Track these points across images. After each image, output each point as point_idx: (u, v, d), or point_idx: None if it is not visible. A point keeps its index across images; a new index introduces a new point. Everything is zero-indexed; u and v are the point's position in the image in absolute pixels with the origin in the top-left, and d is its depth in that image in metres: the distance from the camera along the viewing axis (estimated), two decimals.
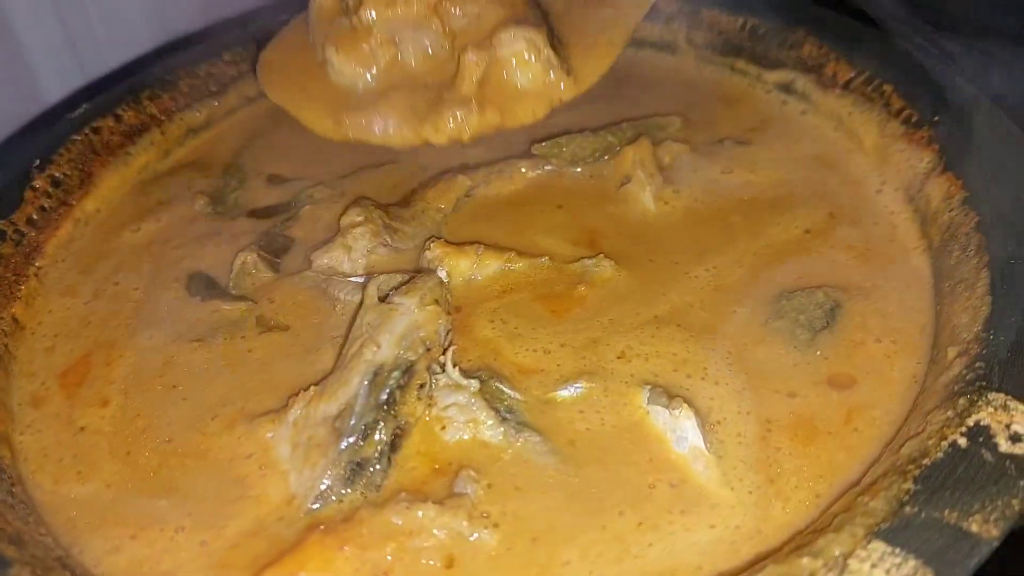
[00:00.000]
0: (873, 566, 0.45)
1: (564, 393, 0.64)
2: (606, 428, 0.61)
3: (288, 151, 0.93)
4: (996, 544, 0.45)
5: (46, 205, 0.84)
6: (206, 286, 0.78)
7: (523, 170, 0.84)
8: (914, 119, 0.78)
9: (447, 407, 0.62)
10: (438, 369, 0.64)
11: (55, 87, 1.13)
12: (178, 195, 0.90)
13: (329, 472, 0.59)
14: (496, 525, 0.56)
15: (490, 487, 0.58)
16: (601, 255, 0.73)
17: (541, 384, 0.65)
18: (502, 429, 0.61)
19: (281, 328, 0.72)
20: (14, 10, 1.07)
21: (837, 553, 0.46)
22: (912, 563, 0.45)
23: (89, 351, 0.73)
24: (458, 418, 0.62)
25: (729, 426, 0.61)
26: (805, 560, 0.46)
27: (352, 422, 0.60)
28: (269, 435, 0.63)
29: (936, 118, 0.76)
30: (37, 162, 0.85)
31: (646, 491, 0.57)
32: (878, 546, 0.46)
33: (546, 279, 0.73)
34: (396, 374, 0.62)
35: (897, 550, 0.45)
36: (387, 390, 0.61)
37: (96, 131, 0.91)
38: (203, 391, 0.68)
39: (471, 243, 0.74)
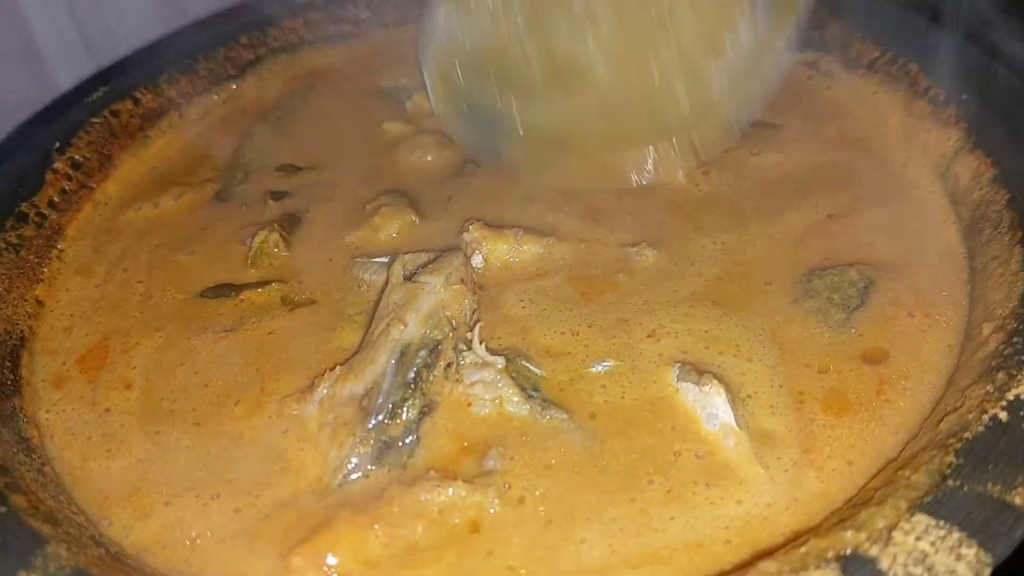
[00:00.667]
0: (918, 538, 0.44)
1: (594, 369, 0.63)
2: (629, 402, 0.61)
3: (300, 136, 0.93)
4: None
5: (67, 187, 0.84)
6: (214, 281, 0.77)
7: None
8: (941, 97, 0.78)
9: (473, 384, 0.62)
10: (464, 347, 0.63)
11: (65, 74, 1.13)
12: (189, 179, 0.89)
13: (358, 450, 0.59)
14: (522, 500, 0.56)
15: (516, 461, 0.58)
16: (644, 243, 0.72)
17: (568, 366, 0.64)
18: (528, 406, 0.61)
19: (305, 304, 0.72)
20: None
21: (881, 525, 0.45)
22: (956, 535, 0.44)
23: (105, 336, 0.72)
24: (484, 395, 0.61)
25: (761, 398, 0.60)
26: (849, 533, 0.45)
27: (380, 400, 0.60)
28: (295, 414, 0.63)
29: (963, 96, 0.75)
30: (57, 144, 0.84)
31: (672, 459, 0.57)
32: (922, 519, 0.45)
33: (584, 263, 0.72)
34: (423, 353, 0.62)
35: (941, 522, 0.45)
36: (414, 369, 0.61)
37: (115, 114, 0.90)
38: (223, 378, 0.67)
39: (512, 227, 0.74)
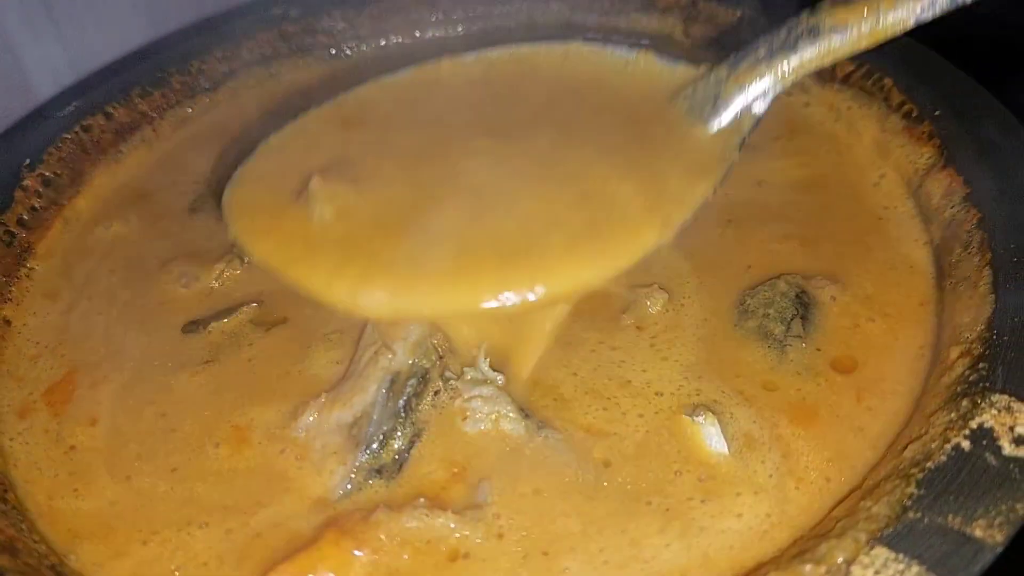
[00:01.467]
0: (876, 572, 0.44)
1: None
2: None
3: None
4: (1000, 550, 0.45)
5: (37, 205, 0.83)
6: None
7: None
8: (914, 114, 0.77)
9: (471, 398, 0.62)
10: (452, 376, 0.64)
11: (45, 83, 1.12)
12: (161, 195, 0.88)
13: (350, 478, 0.59)
14: (504, 533, 0.56)
15: (506, 487, 0.58)
16: (655, 285, 0.70)
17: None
18: (523, 424, 0.61)
19: (277, 323, 0.72)
20: (4, 6, 1.06)
21: (840, 560, 0.45)
22: (916, 569, 0.44)
23: (72, 369, 0.71)
24: (482, 409, 0.62)
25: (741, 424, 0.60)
26: (808, 567, 0.45)
27: (371, 430, 0.61)
28: (280, 450, 0.62)
29: (937, 112, 0.75)
30: (27, 161, 0.84)
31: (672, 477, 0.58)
32: (881, 552, 0.45)
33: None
34: (412, 381, 0.62)
35: (900, 556, 0.45)
36: (404, 397, 0.62)
37: (86, 129, 0.90)
38: (191, 420, 0.66)
39: None
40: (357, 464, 0.59)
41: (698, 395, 0.62)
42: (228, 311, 0.73)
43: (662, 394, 0.62)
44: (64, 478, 0.63)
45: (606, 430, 0.61)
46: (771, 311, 0.66)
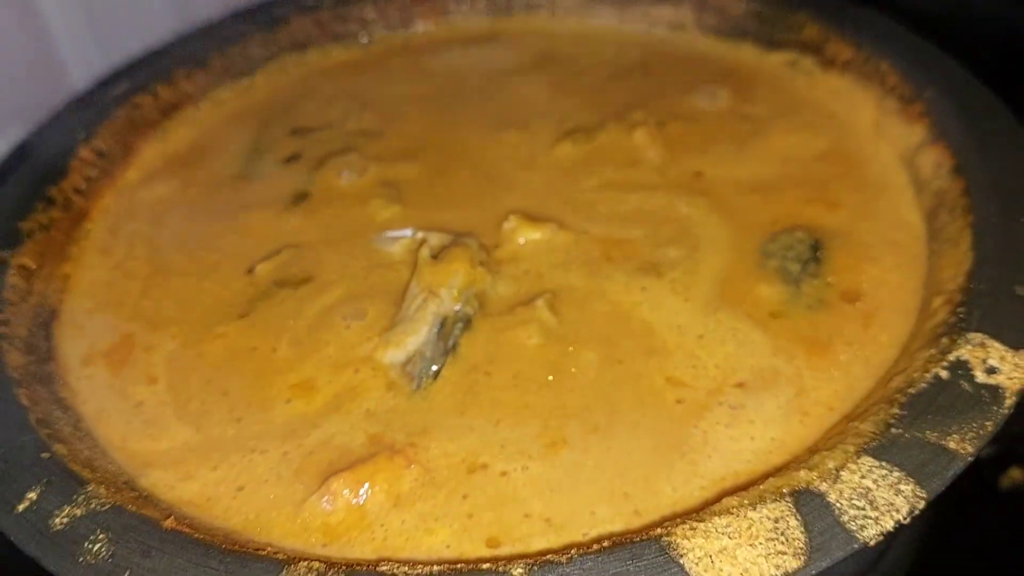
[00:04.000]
0: (862, 476, 0.50)
1: None
2: None
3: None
4: (971, 459, 0.51)
5: (91, 175, 0.90)
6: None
7: None
8: (907, 94, 0.83)
9: None
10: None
11: (81, 71, 1.18)
12: (203, 164, 0.95)
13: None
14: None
15: None
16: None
17: None
18: None
19: (307, 280, 0.78)
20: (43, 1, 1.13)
21: (831, 466, 0.51)
22: (897, 474, 0.50)
23: (127, 331, 0.76)
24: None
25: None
26: (802, 473, 0.51)
27: (423, 366, 0.68)
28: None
29: (927, 93, 0.81)
30: (84, 135, 0.90)
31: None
32: (867, 460, 0.51)
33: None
34: (460, 325, 0.70)
35: (883, 463, 0.51)
36: (452, 338, 0.69)
37: (136, 107, 0.96)
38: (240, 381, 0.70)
39: (548, 220, 0.80)
40: (410, 393, 0.67)
41: (718, 324, 0.69)
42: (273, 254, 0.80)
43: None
44: (138, 426, 0.68)
45: None
46: (790, 253, 0.73)
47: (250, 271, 0.79)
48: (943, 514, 0.73)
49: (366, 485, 0.60)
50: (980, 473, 0.63)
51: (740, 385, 0.64)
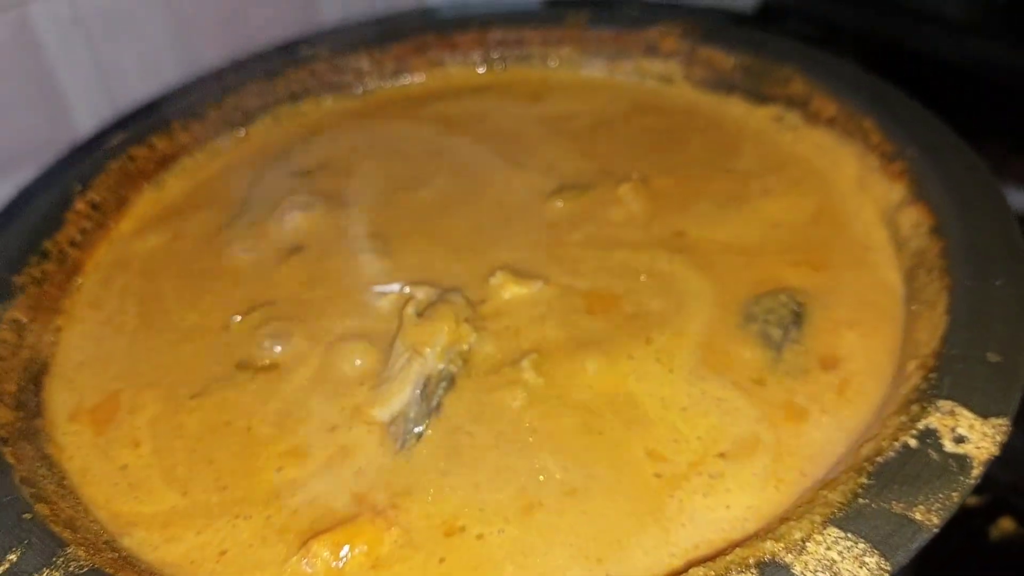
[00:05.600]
0: (828, 548, 0.51)
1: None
2: None
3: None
4: (936, 531, 0.51)
5: (86, 227, 0.91)
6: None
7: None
8: (889, 152, 0.84)
9: None
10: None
11: (86, 117, 1.20)
12: (197, 216, 0.96)
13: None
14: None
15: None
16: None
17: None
18: None
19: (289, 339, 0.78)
20: (48, 44, 1.15)
21: (797, 537, 0.52)
22: (862, 546, 0.51)
23: (112, 390, 0.77)
24: None
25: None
26: (768, 543, 0.52)
27: (407, 426, 0.69)
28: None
29: (908, 151, 0.82)
30: (80, 187, 0.92)
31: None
32: (833, 531, 0.52)
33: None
34: (443, 384, 0.71)
35: (849, 535, 0.51)
36: (436, 398, 0.70)
37: (132, 159, 0.98)
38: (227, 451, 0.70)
39: (535, 277, 0.80)
40: (395, 454, 0.67)
41: (703, 395, 0.69)
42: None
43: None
44: (124, 487, 0.68)
45: None
46: (771, 317, 0.74)
47: (226, 328, 0.80)
48: (932, 566, 0.73)
49: (346, 548, 0.61)
50: (970, 523, 0.63)
51: (722, 455, 0.65)
